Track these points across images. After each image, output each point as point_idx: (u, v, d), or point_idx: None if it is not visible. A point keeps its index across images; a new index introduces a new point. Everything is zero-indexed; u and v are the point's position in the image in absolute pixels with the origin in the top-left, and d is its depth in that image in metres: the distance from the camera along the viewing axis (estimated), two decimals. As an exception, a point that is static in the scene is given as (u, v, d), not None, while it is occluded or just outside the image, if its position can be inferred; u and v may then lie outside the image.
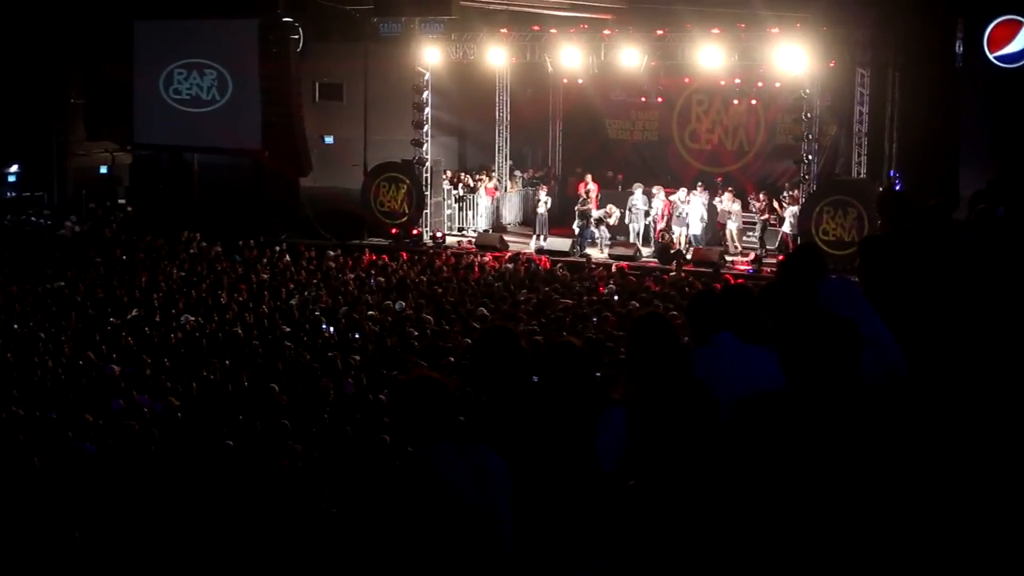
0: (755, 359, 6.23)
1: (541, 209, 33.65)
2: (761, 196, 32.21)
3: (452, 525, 4.78)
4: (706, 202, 32.14)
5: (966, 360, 6.74)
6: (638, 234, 32.61)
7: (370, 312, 22.99)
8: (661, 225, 32.44)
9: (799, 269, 7.75)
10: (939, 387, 6.27)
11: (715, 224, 32.27)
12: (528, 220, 35.76)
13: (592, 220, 32.70)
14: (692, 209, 31.78)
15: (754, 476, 5.34)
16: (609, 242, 32.93)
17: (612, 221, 32.84)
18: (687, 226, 31.80)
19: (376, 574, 4.69)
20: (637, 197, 32.74)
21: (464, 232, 35.30)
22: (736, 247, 31.62)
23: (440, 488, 5.00)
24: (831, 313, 6.43)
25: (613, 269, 29.09)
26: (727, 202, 31.94)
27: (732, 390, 5.93)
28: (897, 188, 27.60)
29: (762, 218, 31.79)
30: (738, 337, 6.69)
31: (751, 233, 32.29)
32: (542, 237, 33.22)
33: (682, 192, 32.59)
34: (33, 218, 36.62)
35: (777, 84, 32.62)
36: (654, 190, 32.67)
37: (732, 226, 31.78)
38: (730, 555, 5.04)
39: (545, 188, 34.64)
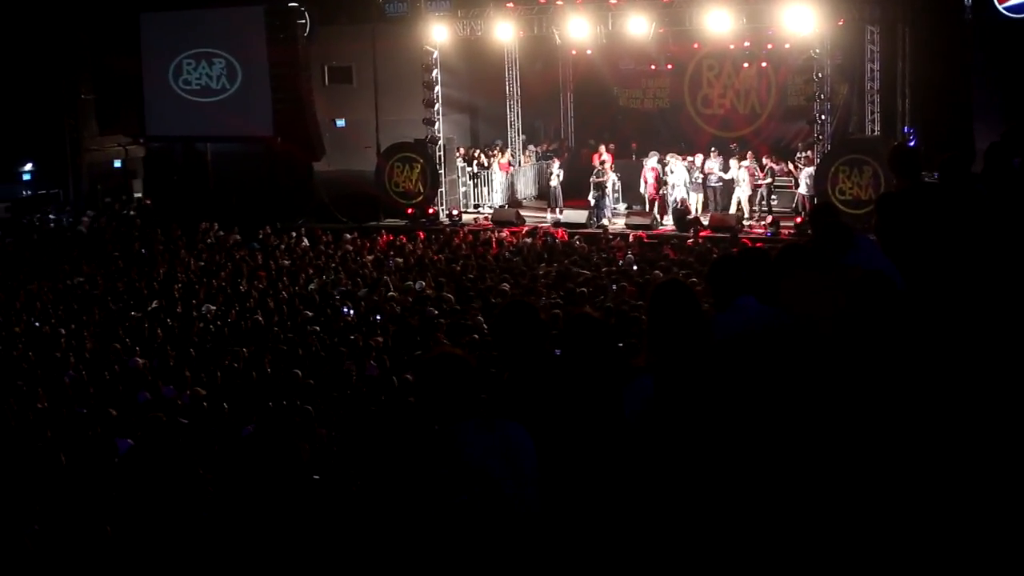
0: (777, 321, 6.23)
1: (554, 182, 33.66)
2: (765, 161, 32.12)
3: (471, 497, 4.78)
4: (716, 168, 32.08)
5: (984, 313, 6.72)
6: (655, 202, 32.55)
7: (390, 293, 23.00)
8: (655, 191, 32.35)
9: (842, 228, 7.80)
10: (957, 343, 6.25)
11: (730, 189, 32.20)
12: (543, 194, 35.74)
13: (605, 190, 32.64)
14: (678, 175, 31.71)
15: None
16: (625, 211, 32.95)
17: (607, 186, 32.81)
18: (674, 189, 31.67)
19: (394, 548, 4.70)
20: (652, 165, 32.65)
21: (480, 209, 35.29)
22: (745, 214, 31.50)
23: (463, 463, 5.00)
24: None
25: (631, 239, 29.04)
26: (733, 170, 31.86)
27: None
28: (912, 144, 27.48)
29: (766, 181, 31.69)
30: (759, 301, 6.69)
31: (773, 198, 32.20)
32: (557, 210, 33.21)
33: (698, 158, 32.56)
34: (51, 215, 36.66)
35: (787, 46, 32.52)
36: (668, 157, 32.56)
37: (741, 193, 31.65)
38: (751, 518, 5.06)
39: (557, 161, 34.62)
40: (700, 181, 32.09)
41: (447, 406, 5.24)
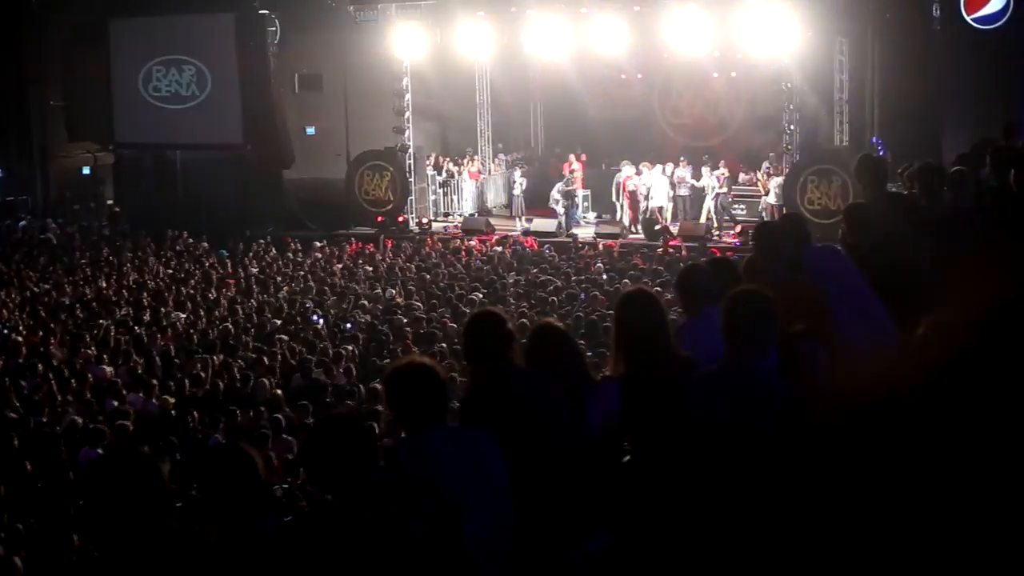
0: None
1: (516, 191, 33.83)
2: (721, 167, 32.26)
3: (423, 521, 4.75)
4: (687, 177, 32.20)
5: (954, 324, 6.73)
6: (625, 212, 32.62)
7: (361, 301, 22.98)
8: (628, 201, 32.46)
9: (776, 238, 7.77)
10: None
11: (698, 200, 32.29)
12: (511, 203, 35.79)
13: (575, 199, 32.71)
14: (657, 184, 31.80)
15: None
16: (595, 220, 33.03)
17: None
18: (650, 199, 31.80)
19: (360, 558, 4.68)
20: (622, 174, 32.74)
21: (450, 217, 35.30)
22: (714, 223, 31.60)
23: (432, 472, 4.98)
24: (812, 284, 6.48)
25: (601, 248, 29.09)
26: (705, 177, 31.98)
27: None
28: (880, 153, 27.60)
29: (722, 191, 31.77)
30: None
31: (739, 206, 32.31)
32: (521, 219, 33.26)
33: (668, 167, 32.64)
34: (22, 222, 36.44)
35: (756, 56, 32.61)
36: (642, 167, 32.63)
37: (710, 202, 31.76)
38: (719, 525, 5.06)
39: (519, 170, 34.70)
40: (669, 191, 32.15)
41: (415, 414, 5.23)
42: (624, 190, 32.45)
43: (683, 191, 32.20)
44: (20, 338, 21.18)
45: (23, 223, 36.28)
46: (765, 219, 29.36)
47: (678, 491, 5.48)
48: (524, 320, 17.28)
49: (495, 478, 5.27)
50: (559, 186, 32.68)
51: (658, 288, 18.09)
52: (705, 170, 32.23)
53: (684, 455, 5.57)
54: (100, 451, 13.35)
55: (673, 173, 32.36)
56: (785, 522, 5.11)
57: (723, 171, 32.16)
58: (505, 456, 5.34)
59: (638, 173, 32.32)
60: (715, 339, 6.39)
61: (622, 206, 32.66)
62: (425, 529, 4.70)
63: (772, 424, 5.46)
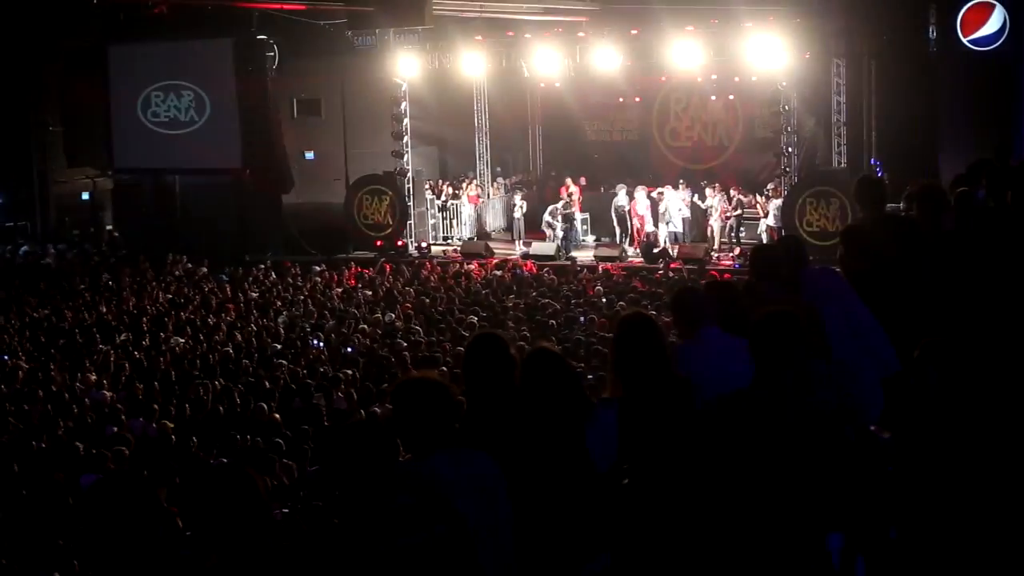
0: (741, 352, 6.28)
1: (517, 214, 33.83)
2: (732, 192, 32.30)
3: (432, 534, 4.71)
4: (688, 199, 32.24)
5: (953, 347, 6.76)
6: (625, 234, 32.68)
7: (361, 326, 22.98)
8: (639, 225, 32.48)
9: (769, 261, 7.79)
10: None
11: (700, 221, 32.31)
12: (511, 226, 35.77)
13: (574, 223, 32.75)
14: (673, 206, 31.79)
15: (731, 470, 5.38)
16: (594, 243, 33.06)
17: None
18: (669, 224, 31.89)
19: None
20: (621, 198, 32.82)
21: (449, 241, 35.34)
22: (717, 245, 31.67)
23: (432, 495, 4.91)
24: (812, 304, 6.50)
25: (599, 271, 29.12)
26: (709, 199, 32.03)
27: (718, 383, 6.00)
28: (879, 175, 27.65)
29: (736, 214, 31.82)
30: (724, 332, 6.72)
31: (741, 230, 32.33)
32: (521, 242, 33.30)
33: (667, 190, 32.64)
34: (23, 248, 36.46)
35: (753, 78, 32.63)
36: (637, 190, 32.71)
37: (715, 223, 31.83)
38: (717, 545, 5.08)
39: (520, 193, 34.75)
40: (666, 214, 32.16)
41: (422, 434, 5.14)
42: (635, 214, 32.48)
43: (683, 214, 32.18)
44: (20, 363, 21.22)
45: (24, 249, 36.31)
46: (764, 241, 29.45)
47: (677, 513, 5.49)
48: (523, 344, 17.28)
49: (498, 502, 5.24)
50: (551, 208, 32.70)
51: (652, 312, 18.10)
52: (709, 191, 32.24)
53: (696, 476, 5.57)
54: (100, 476, 13.35)
55: (706, 198, 32.32)
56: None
57: (734, 194, 32.17)
58: (506, 479, 5.32)
59: (660, 194, 32.32)
60: (713, 360, 6.40)
61: (625, 231, 32.69)
62: (453, 556, 4.69)
63: (809, 440, 5.49)
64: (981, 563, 5.43)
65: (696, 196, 32.34)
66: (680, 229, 31.75)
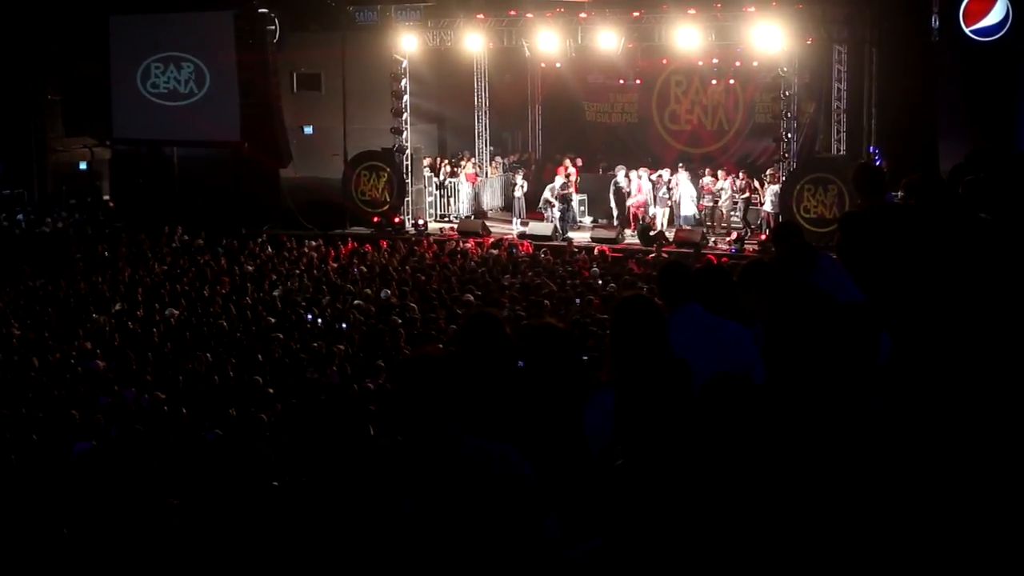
0: (721, 329, 6.27)
1: (518, 193, 33.79)
2: (741, 175, 32.33)
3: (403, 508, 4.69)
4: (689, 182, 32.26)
5: (948, 336, 6.77)
6: (622, 216, 32.67)
7: (356, 301, 22.97)
8: (639, 199, 32.54)
9: (801, 246, 7.80)
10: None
11: (698, 204, 32.32)
12: (509, 205, 35.74)
13: (571, 203, 32.73)
14: (684, 190, 31.82)
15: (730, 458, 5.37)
16: (591, 224, 33.04)
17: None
18: (670, 207, 31.92)
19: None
20: (620, 179, 32.82)
21: (446, 219, 35.32)
22: (724, 225, 31.74)
23: (409, 475, 4.84)
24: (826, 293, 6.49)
25: (595, 252, 29.11)
26: (720, 182, 32.06)
27: (698, 358, 6.02)
28: (877, 163, 27.65)
29: (743, 197, 31.86)
30: (706, 310, 6.76)
31: (735, 213, 32.33)
32: (520, 222, 33.29)
33: (666, 173, 32.65)
34: (19, 216, 36.40)
35: (755, 63, 32.65)
36: (637, 172, 32.74)
37: (724, 205, 31.90)
38: (714, 533, 5.07)
39: (521, 173, 34.72)
40: (666, 196, 32.18)
41: (434, 412, 4.87)
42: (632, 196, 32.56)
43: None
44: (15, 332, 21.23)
45: (22, 216, 36.27)
46: (763, 226, 29.47)
47: (672, 497, 5.48)
48: (521, 323, 17.27)
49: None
50: (550, 187, 32.66)
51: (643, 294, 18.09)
52: (720, 174, 32.27)
53: (691, 461, 5.56)
54: (92, 444, 13.36)
55: (671, 179, 32.38)
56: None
57: (742, 178, 32.18)
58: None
59: (659, 176, 32.38)
60: (692, 337, 6.42)
61: (623, 212, 32.70)
62: (426, 529, 4.70)
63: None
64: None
65: (710, 180, 32.31)
66: (693, 213, 31.76)
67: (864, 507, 4.82)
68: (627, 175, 32.74)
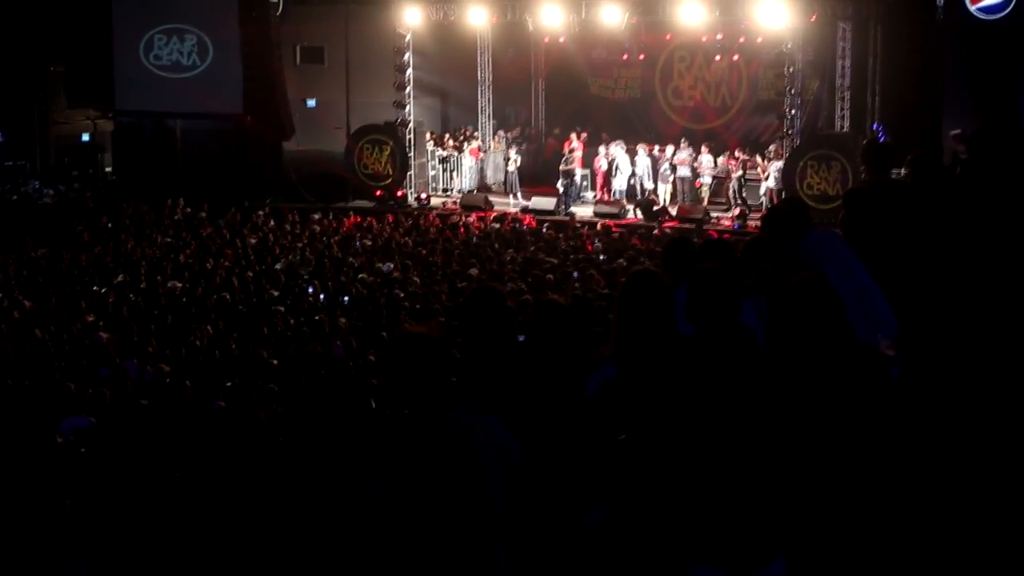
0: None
1: (511, 167, 33.77)
2: (737, 154, 32.27)
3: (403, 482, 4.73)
4: (689, 159, 32.24)
5: (949, 311, 6.79)
6: (622, 191, 32.68)
7: (360, 275, 22.97)
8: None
9: (782, 224, 7.77)
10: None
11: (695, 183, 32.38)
12: (505, 180, 35.74)
13: (574, 178, 32.73)
14: (621, 162, 32.18)
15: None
16: (593, 199, 33.03)
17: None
18: (672, 182, 31.96)
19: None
20: (620, 155, 32.80)
21: (448, 193, 35.31)
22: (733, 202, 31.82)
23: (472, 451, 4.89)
24: (812, 270, 6.49)
25: (598, 227, 29.11)
26: (722, 163, 32.11)
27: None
28: (881, 140, 27.62)
29: (737, 175, 31.80)
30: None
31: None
32: (514, 195, 33.29)
33: (669, 149, 32.68)
34: (21, 187, 36.38)
35: (759, 39, 32.55)
36: (638, 147, 32.79)
37: (706, 182, 31.95)
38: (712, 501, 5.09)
39: (515, 148, 34.68)
40: (668, 172, 32.20)
41: (432, 390, 4.95)
42: (598, 171, 32.81)
43: (683, 172, 32.19)
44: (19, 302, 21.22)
45: (31, 185, 36.26)
46: (765, 203, 29.46)
47: (676, 469, 5.50)
48: (524, 298, 17.28)
49: (515, 457, 5.19)
50: (573, 167, 32.71)
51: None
52: (704, 148, 32.32)
53: (696, 435, 5.57)
54: (91, 418, 13.36)
55: (674, 154, 32.38)
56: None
57: (740, 155, 32.17)
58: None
59: (661, 151, 32.60)
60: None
61: (620, 185, 32.78)
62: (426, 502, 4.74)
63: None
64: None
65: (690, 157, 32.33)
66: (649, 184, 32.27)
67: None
68: (629, 151, 32.75)
